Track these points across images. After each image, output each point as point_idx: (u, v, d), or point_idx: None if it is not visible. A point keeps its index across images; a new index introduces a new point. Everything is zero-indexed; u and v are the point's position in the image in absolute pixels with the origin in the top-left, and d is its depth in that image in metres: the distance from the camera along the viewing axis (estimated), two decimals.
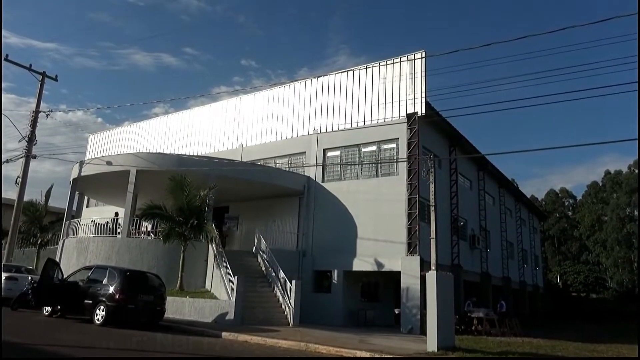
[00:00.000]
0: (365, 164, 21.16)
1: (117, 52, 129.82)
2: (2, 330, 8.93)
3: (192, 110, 29.60)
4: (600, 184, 62.24)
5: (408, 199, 19.04)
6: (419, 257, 18.15)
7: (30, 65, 22.30)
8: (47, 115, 23.46)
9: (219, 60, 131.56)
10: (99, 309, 13.26)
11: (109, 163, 20.34)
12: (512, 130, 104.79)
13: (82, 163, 22.11)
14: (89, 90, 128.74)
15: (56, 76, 23.21)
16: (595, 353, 13.56)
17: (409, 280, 18.07)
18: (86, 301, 13.66)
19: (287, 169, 22.98)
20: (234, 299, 15.50)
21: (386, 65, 21.00)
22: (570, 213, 66.56)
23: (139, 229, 19.97)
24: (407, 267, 18.25)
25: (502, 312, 21.00)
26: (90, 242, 19.64)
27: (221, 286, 17.12)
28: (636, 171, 57.12)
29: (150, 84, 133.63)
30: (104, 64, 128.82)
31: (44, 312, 14.73)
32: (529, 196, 47.36)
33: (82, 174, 21.47)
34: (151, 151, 26.81)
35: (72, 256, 19.78)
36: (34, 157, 22.48)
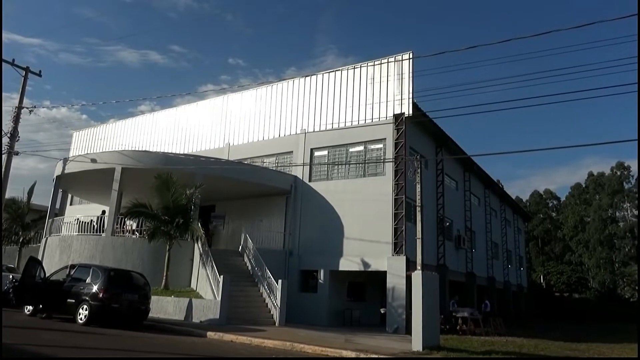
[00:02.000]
0: (352, 164, 21.19)
1: (103, 48, 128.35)
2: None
3: (178, 108, 29.36)
4: (584, 186, 63.21)
5: (394, 199, 19.12)
6: (405, 257, 18.25)
7: (14, 60, 21.91)
8: (31, 111, 23.03)
9: (206, 58, 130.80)
10: (82, 308, 13.12)
11: (93, 160, 20.09)
12: (498, 131, 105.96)
13: (66, 160, 21.81)
14: (73, 87, 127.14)
15: (40, 71, 22.80)
16: (577, 352, 13.77)
17: (395, 280, 18.15)
18: (69, 300, 13.49)
19: (274, 168, 22.92)
20: (219, 299, 15.42)
21: (374, 65, 21.06)
22: (554, 214, 67.48)
23: (123, 227, 19.76)
24: (393, 267, 18.33)
25: (486, 311, 21.22)
26: (74, 240, 19.38)
27: (207, 285, 17.02)
28: (618, 173, 58.12)
29: (137, 81, 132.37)
30: (90, 61, 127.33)
31: (26, 311, 14.52)
32: (513, 197, 47.89)
33: (66, 171, 21.19)
34: (137, 149, 26.55)
35: (55, 255, 19.51)
36: (17, 153, 22.07)
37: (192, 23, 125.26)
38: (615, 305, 43.97)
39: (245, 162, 23.16)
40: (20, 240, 26.23)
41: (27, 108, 22.88)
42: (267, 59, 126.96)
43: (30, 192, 27.54)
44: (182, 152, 25.79)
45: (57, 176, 21.96)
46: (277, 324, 16.33)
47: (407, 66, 20.06)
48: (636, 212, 55.54)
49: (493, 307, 23.89)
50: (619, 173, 58.22)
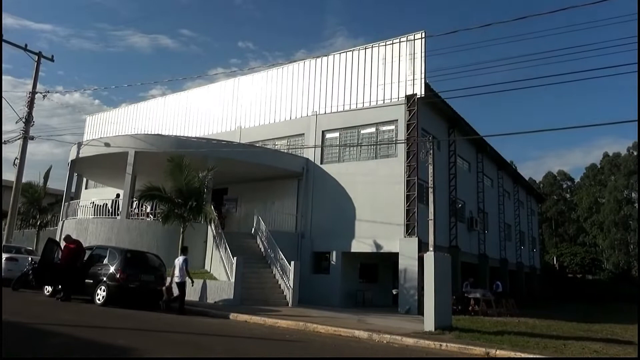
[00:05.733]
0: (364, 145, 21.14)
1: (114, 33, 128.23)
2: (2, 316, 8.98)
3: (189, 91, 29.40)
4: (599, 167, 62.39)
5: (407, 180, 19.09)
6: (417, 238, 18.28)
7: (26, 45, 22.09)
8: (44, 96, 23.34)
9: (216, 42, 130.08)
10: (100, 289, 13.39)
11: (107, 144, 20.30)
12: (511, 112, 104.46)
13: (80, 144, 22.06)
14: (85, 72, 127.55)
15: (52, 56, 23.03)
16: (590, 332, 13.78)
17: (407, 262, 18.23)
18: (87, 281, 13.77)
19: (285, 151, 22.98)
20: (233, 280, 15.65)
21: (385, 45, 20.82)
22: (568, 195, 66.87)
23: (138, 210, 20.03)
24: (406, 249, 18.39)
25: (498, 292, 21.25)
26: (90, 223, 19.72)
27: (220, 267, 17.27)
28: (635, 153, 57.22)
29: (147, 65, 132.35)
30: (101, 46, 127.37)
31: (45, 292, 14.85)
32: (527, 178, 47.50)
33: (81, 155, 21.45)
34: (149, 132, 26.73)
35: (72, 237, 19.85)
36: (32, 138, 22.45)
37: (201, 7, 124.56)
38: (629, 287, 43.67)
39: (257, 145, 23.22)
40: (38, 223, 26.70)
41: (41, 93, 23.18)
42: (276, 41, 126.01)
43: (46, 177, 27.97)
44: (193, 136, 25.91)
45: (71, 160, 22.24)
46: (290, 304, 16.53)
47: (419, 46, 19.80)
48: None
49: (505, 288, 23.92)
50: (635, 153, 57.29)
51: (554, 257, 54.31)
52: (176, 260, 14.32)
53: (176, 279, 13.82)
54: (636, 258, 52.60)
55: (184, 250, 14.70)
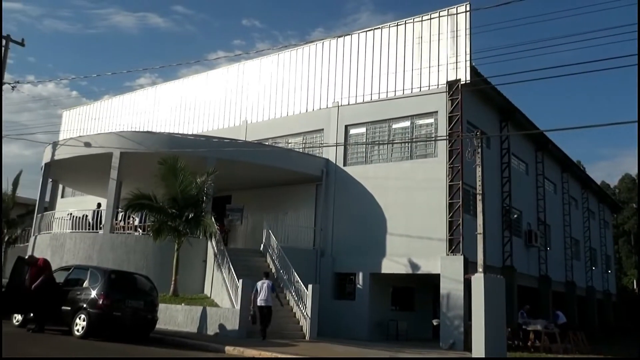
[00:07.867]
0: (397, 143, 21.12)
1: (94, 12, 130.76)
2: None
3: (184, 80, 29.80)
4: None
5: (449, 186, 19.00)
6: (462, 256, 18.16)
7: None
8: (13, 87, 23.83)
9: (216, 20, 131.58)
10: (79, 318, 13.51)
11: (87, 144, 20.63)
12: (578, 100, 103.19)
13: (55, 145, 22.49)
14: (61, 58, 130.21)
15: (22, 40, 23.51)
16: None
17: (451, 285, 18.11)
18: (64, 308, 13.94)
19: (301, 150, 23.09)
20: (238, 307, 15.72)
21: (422, 21, 20.81)
22: None
23: (125, 223, 20.30)
24: (448, 269, 18.29)
25: (562, 324, 20.97)
26: (67, 238, 20.05)
27: (223, 291, 17.39)
28: None
29: (134, 50, 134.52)
30: (79, 27, 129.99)
31: (14, 321, 14.99)
32: (598, 182, 46.82)
33: (56, 157, 21.85)
34: (137, 129, 27.11)
35: (46, 255, 20.07)
36: None
37: None
38: None
39: (266, 143, 23.37)
40: (6, 239, 27.18)
41: (9, 84, 23.67)
42: (288, 18, 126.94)
43: (16, 183, 28.46)
44: (190, 133, 26.22)
45: (45, 164, 22.67)
46: (307, 337, 16.58)
47: (463, 21, 19.76)
48: None
49: (571, 318, 23.54)
50: None
51: (633, 280, 53.37)
52: (260, 283, 15.74)
53: (262, 302, 15.41)
54: None
55: (267, 275, 16.76)
